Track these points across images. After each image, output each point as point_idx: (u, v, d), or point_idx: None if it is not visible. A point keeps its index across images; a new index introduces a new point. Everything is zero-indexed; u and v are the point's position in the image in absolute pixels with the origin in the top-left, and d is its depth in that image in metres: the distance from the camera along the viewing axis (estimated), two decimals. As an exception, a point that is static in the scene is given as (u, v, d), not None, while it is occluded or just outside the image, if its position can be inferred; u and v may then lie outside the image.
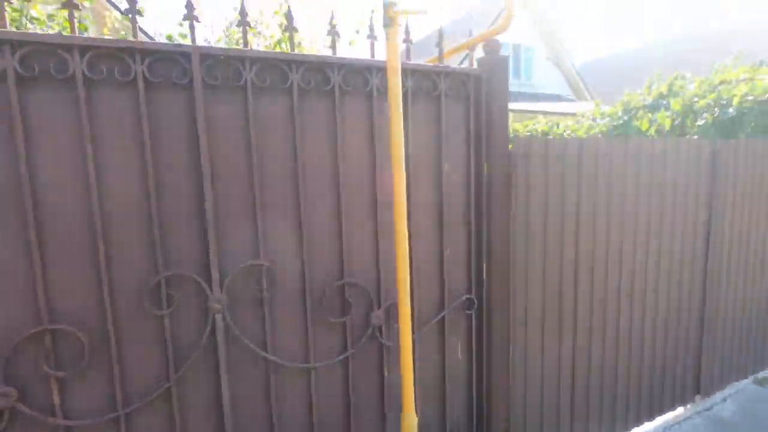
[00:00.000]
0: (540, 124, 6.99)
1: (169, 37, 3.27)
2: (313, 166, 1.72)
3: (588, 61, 23.00)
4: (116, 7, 3.34)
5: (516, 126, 7.00)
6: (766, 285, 3.32)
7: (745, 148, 3.02)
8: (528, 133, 7.16)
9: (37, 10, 2.39)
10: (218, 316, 1.60)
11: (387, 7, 1.44)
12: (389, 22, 1.47)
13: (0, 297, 1.35)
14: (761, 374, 3.43)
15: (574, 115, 9.25)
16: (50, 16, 2.47)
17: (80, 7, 1.38)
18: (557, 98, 14.03)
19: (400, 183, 1.56)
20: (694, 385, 3.03)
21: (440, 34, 1.97)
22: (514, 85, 12.93)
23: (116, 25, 3.06)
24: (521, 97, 12.37)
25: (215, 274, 1.58)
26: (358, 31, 3.55)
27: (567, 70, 14.82)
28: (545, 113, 10.64)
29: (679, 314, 2.86)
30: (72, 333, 1.42)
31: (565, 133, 6.28)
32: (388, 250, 1.86)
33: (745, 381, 3.38)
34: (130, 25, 1.51)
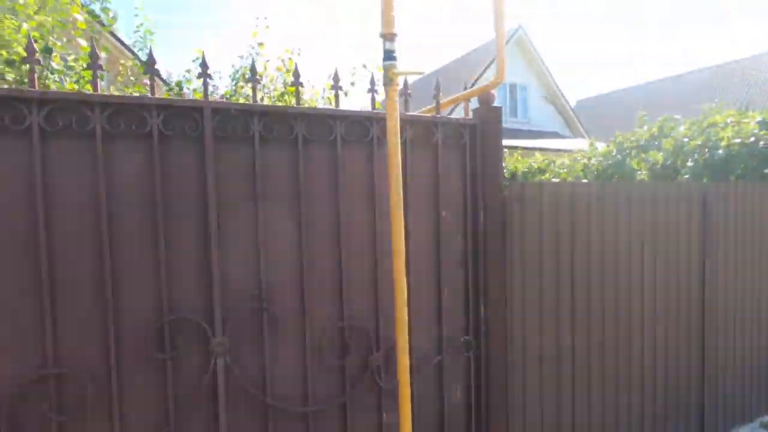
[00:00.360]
0: (537, 162, 7.16)
1: (179, 85, 3.45)
2: (314, 212, 1.80)
3: (588, 97, 23.65)
4: (136, 56, 3.54)
5: (516, 165, 7.16)
6: (765, 326, 3.33)
7: (735, 191, 3.11)
8: (525, 170, 7.32)
9: (57, 62, 2.54)
10: (219, 359, 1.63)
11: (387, 68, 1.56)
12: (389, 81, 1.58)
13: (9, 341, 1.38)
14: (767, 418, 3.37)
15: (570, 151, 9.47)
16: (69, 67, 2.63)
17: (103, 68, 1.49)
18: (553, 135, 14.38)
19: (399, 230, 1.62)
20: (698, 426, 2.98)
21: (437, 86, 2.10)
22: (511, 123, 13.29)
23: (129, 72, 3.24)
24: (518, 134, 12.69)
25: (218, 319, 1.62)
26: (353, 83, 3.81)
27: (562, 108, 15.27)
28: (542, 149, 10.88)
29: (678, 355, 2.86)
30: (75, 377, 1.45)
31: (561, 171, 6.43)
32: (387, 293, 1.90)
33: (752, 425, 3.32)
34: (141, 67, 1.63)
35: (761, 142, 3.85)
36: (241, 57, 4.21)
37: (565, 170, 6.32)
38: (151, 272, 1.55)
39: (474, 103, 2.23)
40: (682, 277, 2.85)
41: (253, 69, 1.73)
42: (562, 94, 15.06)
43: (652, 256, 2.71)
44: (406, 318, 1.61)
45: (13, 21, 2.43)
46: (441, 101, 2.14)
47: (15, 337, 1.39)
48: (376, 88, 1.92)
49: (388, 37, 1.57)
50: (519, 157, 7.69)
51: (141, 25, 3.38)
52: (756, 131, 3.94)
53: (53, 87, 2.37)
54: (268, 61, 3.72)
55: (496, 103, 2.17)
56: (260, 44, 3.82)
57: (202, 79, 1.64)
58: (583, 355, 2.47)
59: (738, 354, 3.18)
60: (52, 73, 2.38)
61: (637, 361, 2.67)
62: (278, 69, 3.59)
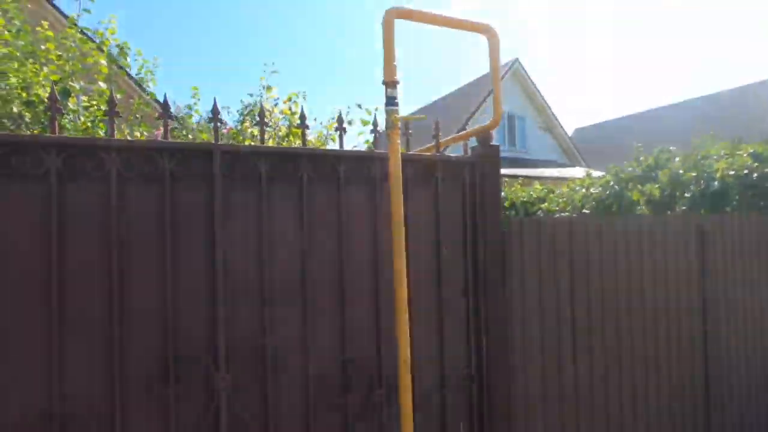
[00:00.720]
0: (536, 191, 7.24)
1: (180, 122, 3.60)
2: (318, 249, 1.84)
3: (586, 125, 24.00)
4: (148, 94, 3.69)
5: (515, 194, 7.23)
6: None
7: (731, 223, 3.15)
8: (524, 199, 7.40)
9: (72, 102, 2.66)
10: (223, 394, 1.64)
11: (390, 113, 1.65)
12: (392, 125, 1.66)
13: (17, 380, 1.40)
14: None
15: (567, 179, 9.58)
16: (86, 107, 2.74)
17: (120, 114, 1.58)
18: (552, 164, 14.57)
19: (400, 269, 1.66)
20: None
21: (437, 127, 2.18)
22: (509, 152, 13.50)
23: (140, 111, 3.38)
24: (517, 163, 12.87)
25: (222, 354, 1.64)
26: (350, 122, 4.01)
27: (560, 137, 15.55)
28: (540, 178, 11.01)
29: (683, 394, 2.83)
30: (80, 415, 1.46)
31: (560, 200, 6.50)
32: (388, 331, 1.92)
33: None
34: (151, 106, 1.71)
35: (755, 174, 3.93)
36: (251, 95, 4.40)
37: (564, 199, 6.39)
38: (159, 308, 1.58)
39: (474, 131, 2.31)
40: (683, 313, 2.85)
41: (261, 112, 1.82)
42: (559, 123, 15.36)
43: (651, 287, 2.73)
44: (409, 355, 1.63)
45: (35, 65, 2.56)
46: (441, 140, 2.22)
47: (22, 375, 1.42)
48: (378, 129, 2.01)
49: (390, 84, 1.66)
50: (519, 186, 7.79)
51: (141, 67, 3.58)
52: (749, 163, 4.03)
53: (68, 126, 2.46)
54: (275, 104, 3.89)
55: (494, 133, 2.25)
56: (268, 88, 4.03)
57: (213, 123, 1.72)
58: (586, 385, 2.45)
59: (743, 390, 3.14)
60: (68, 114, 2.49)
61: (641, 392, 2.65)
62: (284, 112, 3.75)
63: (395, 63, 1.67)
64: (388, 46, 1.67)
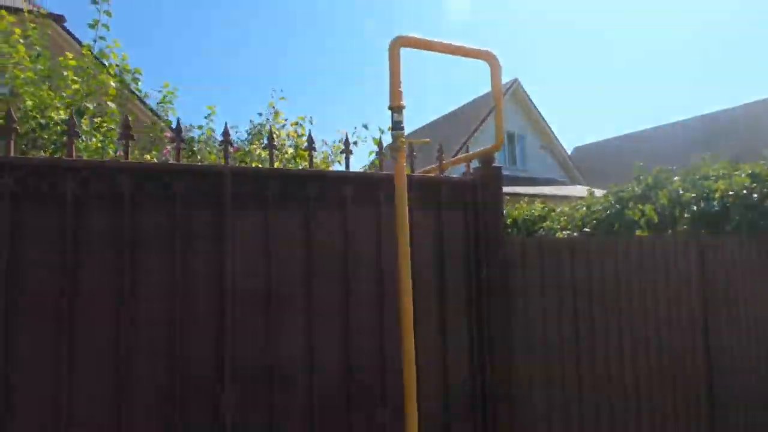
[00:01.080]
0: (537, 210, 7.28)
1: (190, 142, 3.69)
2: (323, 270, 1.87)
3: (585, 144, 24.18)
4: (160, 118, 3.79)
5: (517, 213, 7.28)
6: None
7: (731, 243, 3.18)
8: (526, 216, 7.44)
9: (85, 123, 2.74)
10: (228, 414, 1.64)
11: (396, 137, 1.70)
12: (398, 148, 1.71)
13: (27, 403, 1.42)
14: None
15: (567, 197, 9.63)
16: (96, 128, 2.81)
17: (135, 137, 1.63)
18: (552, 182, 14.66)
19: (406, 289, 1.69)
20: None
21: (440, 150, 2.24)
22: (509, 171, 13.60)
23: (154, 135, 3.47)
24: (517, 181, 12.95)
25: (228, 374, 1.65)
26: (355, 142, 4.11)
27: (559, 156, 15.69)
28: (540, 196, 11.07)
29: (688, 420, 2.81)
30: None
31: (561, 218, 6.54)
32: (391, 351, 1.93)
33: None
34: (162, 126, 1.75)
35: (754, 195, 3.98)
36: (260, 114, 4.58)
37: (565, 218, 6.43)
38: (166, 330, 1.60)
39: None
40: (686, 335, 2.85)
41: (270, 137, 1.88)
42: (558, 142, 15.53)
43: (653, 306, 2.74)
44: (414, 376, 1.64)
45: (50, 89, 2.65)
46: (444, 161, 2.27)
47: (33, 401, 1.43)
48: (383, 151, 2.06)
49: (396, 109, 1.71)
50: (524, 204, 7.83)
51: (164, 98, 3.67)
52: (748, 184, 4.08)
53: (80, 147, 2.53)
54: (283, 127, 3.99)
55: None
56: (276, 114, 4.15)
57: (224, 146, 1.78)
58: (592, 407, 2.44)
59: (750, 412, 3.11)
60: (80, 135, 2.56)
61: (646, 418, 2.63)
62: (291, 134, 3.85)
63: (401, 89, 1.73)
64: (394, 73, 1.73)
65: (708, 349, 2.94)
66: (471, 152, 2.34)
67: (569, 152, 16.85)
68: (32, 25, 3.21)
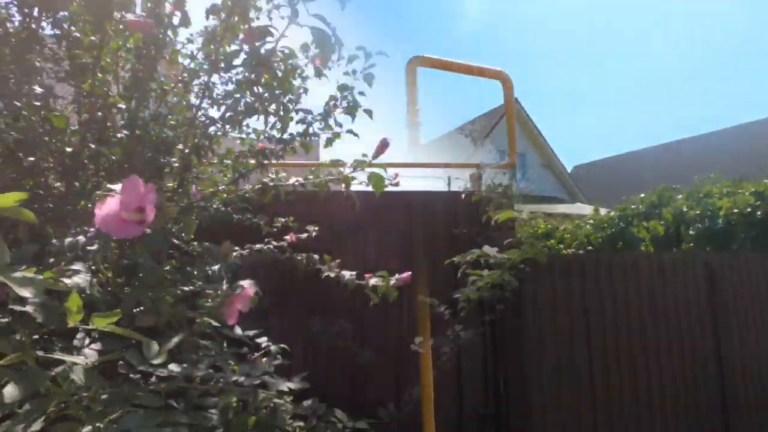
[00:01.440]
0: (541, 228, 7.30)
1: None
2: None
3: (583, 163, 24.32)
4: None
5: (522, 230, 7.29)
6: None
7: (737, 261, 3.19)
8: (530, 233, 7.44)
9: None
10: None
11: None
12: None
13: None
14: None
15: (569, 216, 9.63)
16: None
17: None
18: (553, 200, 14.74)
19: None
20: None
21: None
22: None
23: None
24: (521, 199, 13.01)
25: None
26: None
27: (560, 174, 15.83)
28: (546, 214, 11.11)
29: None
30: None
31: (566, 236, 6.55)
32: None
33: None
34: None
35: (758, 213, 4.01)
36: None
37: (570, 236, 6.44)
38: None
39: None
40: (697, 353, 2.84)
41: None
42: (559, 160, 15.69)
43: (665, 324, 2.74)
44: (432, 405, 1.64)
45: None
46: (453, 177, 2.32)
47: None
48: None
49: (413, 126, 1.76)
50: (542, 222, 7.80)
51: None
52: (752, 202, 4.12)
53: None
54: None
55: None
56: None
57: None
58: (606, 424, 2.42)
59: None
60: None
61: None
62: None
63: (418, 107, 1.78)
64: (411, 92, 1.78)
65: (719, 359, 2.93)
66: (482, 166, 2.39)
67: (569, 170, 17.01)
68: None
